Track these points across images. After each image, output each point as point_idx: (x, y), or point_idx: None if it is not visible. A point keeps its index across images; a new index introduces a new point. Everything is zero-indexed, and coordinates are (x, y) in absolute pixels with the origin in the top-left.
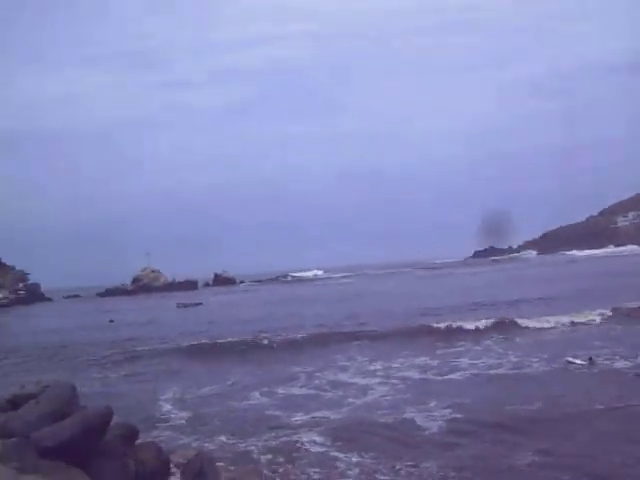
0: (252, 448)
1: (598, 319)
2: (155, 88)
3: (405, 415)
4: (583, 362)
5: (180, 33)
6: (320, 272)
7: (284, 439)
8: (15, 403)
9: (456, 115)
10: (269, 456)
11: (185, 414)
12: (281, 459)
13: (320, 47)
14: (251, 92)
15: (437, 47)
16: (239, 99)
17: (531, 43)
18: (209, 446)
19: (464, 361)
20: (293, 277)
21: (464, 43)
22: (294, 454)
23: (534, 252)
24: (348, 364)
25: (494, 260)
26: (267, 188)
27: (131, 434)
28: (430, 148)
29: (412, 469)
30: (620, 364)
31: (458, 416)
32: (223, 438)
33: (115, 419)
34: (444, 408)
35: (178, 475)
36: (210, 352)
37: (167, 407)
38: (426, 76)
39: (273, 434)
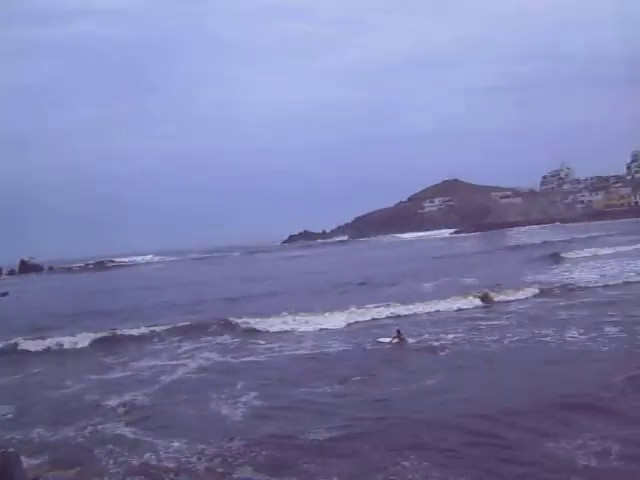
0: (68, 438)
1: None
2: None
3: (208, 396)
4: (389, 339)
5: None
6: (148, 257)
7: (99, 426)
8: None
9: (264, 101)
10: (85, 445)
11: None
12: (96, 448)
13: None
14: (52, 70)
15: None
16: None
17: (344, 34)
18: (24, 439)
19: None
20: (113, 263)
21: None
22: (109, 441)
23: (346, 236)
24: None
25: (323, 243)
26: (82, 171)
27: None
28: (246, 134)
29: (217, 450)
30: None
31: (257, 399)
32: (41, 430)
33: None
34: (245, 390)
35: None
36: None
37: None
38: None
39: (88, 421)
